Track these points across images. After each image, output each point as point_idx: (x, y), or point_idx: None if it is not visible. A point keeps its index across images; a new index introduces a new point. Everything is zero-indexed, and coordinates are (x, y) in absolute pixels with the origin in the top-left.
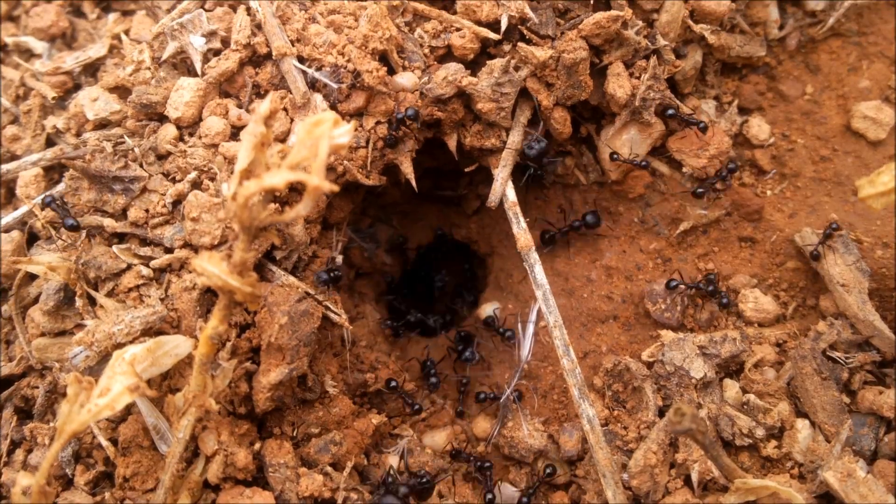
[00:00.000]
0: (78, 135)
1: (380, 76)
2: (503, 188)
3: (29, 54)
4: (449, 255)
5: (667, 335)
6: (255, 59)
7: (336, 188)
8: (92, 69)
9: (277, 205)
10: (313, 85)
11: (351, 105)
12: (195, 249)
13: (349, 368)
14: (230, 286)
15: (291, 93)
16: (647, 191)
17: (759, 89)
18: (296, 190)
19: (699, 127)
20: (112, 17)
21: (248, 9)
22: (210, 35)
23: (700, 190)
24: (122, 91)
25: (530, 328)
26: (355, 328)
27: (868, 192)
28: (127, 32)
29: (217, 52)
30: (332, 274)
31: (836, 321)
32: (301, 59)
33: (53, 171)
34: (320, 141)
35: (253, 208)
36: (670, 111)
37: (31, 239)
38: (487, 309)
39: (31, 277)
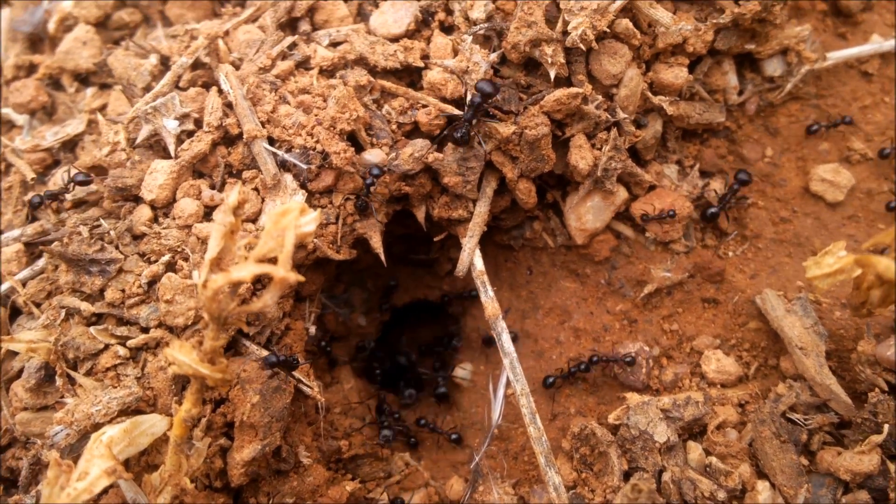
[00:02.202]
0: (58, 212)
1: (347, 157)
2: (471, 257)
3: (10, 125)
4: (424, 317)
5: (632, 398)
6: (228, 139)
7: (301, 279)
8: (71, 145)
9: (250, 285)
10: (284, 165)
11: (321, 183)
12: (170, 329)
13: (323, 436)
14: (201, 374)
15: (263, 173)
16: (613, 254)
17: (720, 153)
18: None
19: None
20: (90, 91)
21: (220, 90)
22: (183, 117)
23: (712, 211)
24: (99, 170)
25: (501, 392)
26: (330, 394)
27: (814, 272)
28: (104, 107)
29: (191, 133)
30: (282, 359)
31: (796, 383)
32: (271, 141)
33: (35, 246)
34: (286, 232)
35: (221, 300)
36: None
37: (14, 313)
38: (460, 371)
39: (14, 352)
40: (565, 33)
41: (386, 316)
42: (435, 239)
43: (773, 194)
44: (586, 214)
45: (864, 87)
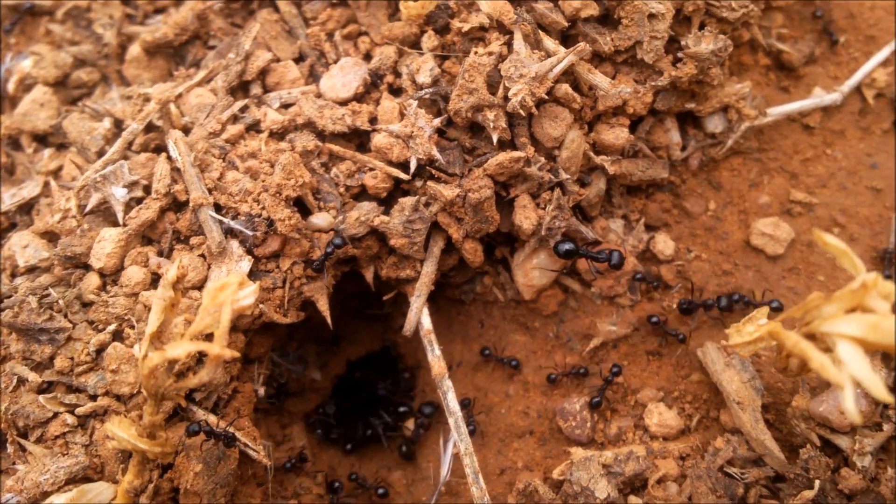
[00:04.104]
0: (13, 275)
1: (291, 224)
2: (418, 317)
3: None
4: (379, 369)
5: (576, 453)
6: (177, 204)
7: (237, 355)
8: (27, 208)
9: (195, 354)
10: (230, 231)
11: (267, 249)
12: (117, 397)
13: (271, 495)
14: (140, 449)
15: (209, 241)
16: (561, 308)
17: (664, 207)
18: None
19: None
20: (47, 152)
21: (169, 156)
22: (132, 185)
23: (686, 307)
24: (51, 235)
25: (449, 449)
26: (281, 452)
27: (735, 340)
28: (60, 169)
29: (140, 200)
30: (206, 429)
31: (734, 437)
32: (218, 208)
33: None
34: (223, 308)
35: (158, 377)
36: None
37: None
38: (412, 423)
39: None
40: (507, 99)
41: (341, 370)
42: (384, 298)
43: (715, 247)
44: (533, 271)
45: (806, 140)
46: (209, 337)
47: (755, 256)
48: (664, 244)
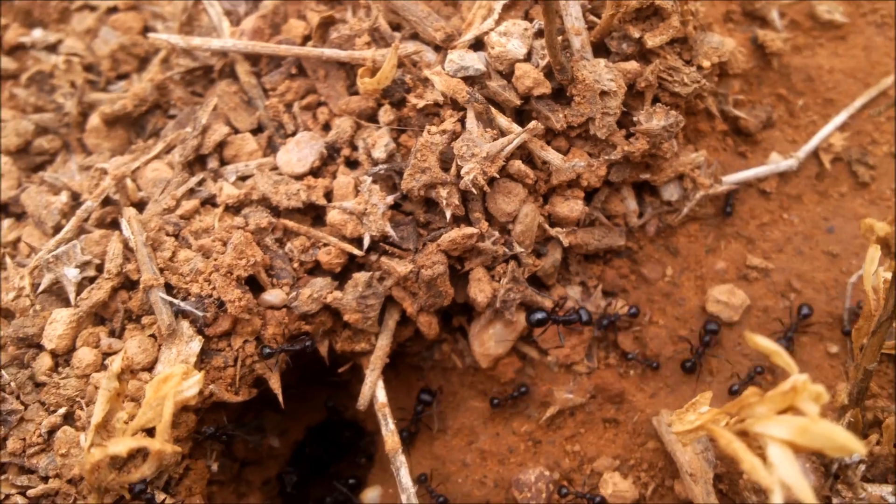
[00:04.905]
0: None
1: (241, 306)
2: (373, 390)
3: None
4: (338, 435)
5: None
6: (129, 283)
7: (178, 450)
8: None
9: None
10: (182, 312)
11: (218, 329)
12: (68, 480)
13: None
14: None
15: (159, 322)
16: (518, 375)
17: (622, 272)
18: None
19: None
20: (6, 223)
21: (123, 234)
22: (84, 265)
23: (689, 364)
24: (6, 313)
25: None
26: None
27: (678, 428)
28: (18, 241)
29: (93, 279)
30: None
31: None
32: (169, 288)
33: None
34: (166, 401)
35: (101, 471)
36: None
37: None
38: (369, 495)
39: None
40: (460, 176)
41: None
42: (339, 371)
43: (672, 313)
44: (489, 341)
45: (763, 205)
46: (153, 430)
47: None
48: (621, 310)
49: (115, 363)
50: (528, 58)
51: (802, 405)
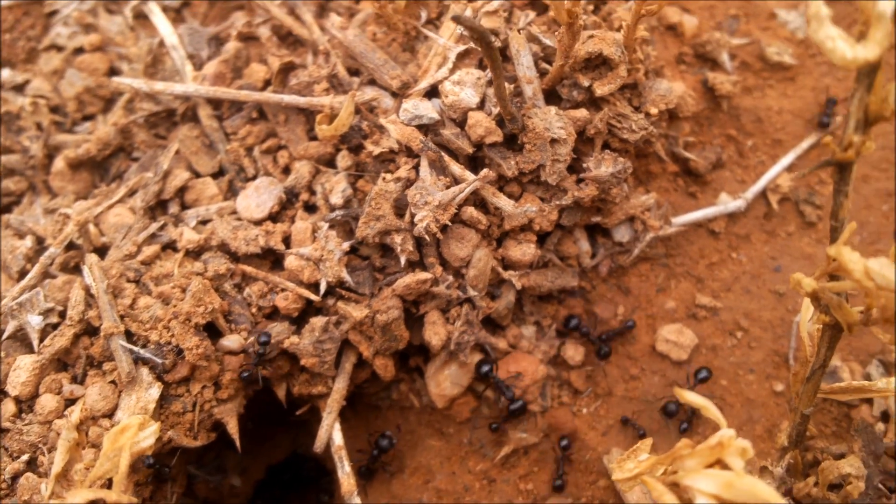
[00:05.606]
0: None
1: (199, 353)
2: (329, 433)
3: None
4: (302, 475)
5: None
6: (91, 329)
7: (135, 500)
8: None
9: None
10: (142, 359)
11: (177, 375)
12: None
13: None
14: None
15: (119, 370)
16: (474, 414)
17: (575, 312)
18: None
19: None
20: None
21: (85, 281)
22: (47, 312)
23: (672, 408)
24: None
25: None
26: None
27: (617, 476)
28: None
29: (56, 326)
30: None
31: None
32: (129, 335)
33: None
34: (122, 453)
35: None
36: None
37: None
38: None
39: None
40: (413, 223)
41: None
42: (297, 413)
43: (624, 352)
44: (444, 382)
45: (712, 245)
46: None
47: (661, 361)
48: (574, 350)
49: (74, 414)
50: (481, 106)
51: (729, 459)
